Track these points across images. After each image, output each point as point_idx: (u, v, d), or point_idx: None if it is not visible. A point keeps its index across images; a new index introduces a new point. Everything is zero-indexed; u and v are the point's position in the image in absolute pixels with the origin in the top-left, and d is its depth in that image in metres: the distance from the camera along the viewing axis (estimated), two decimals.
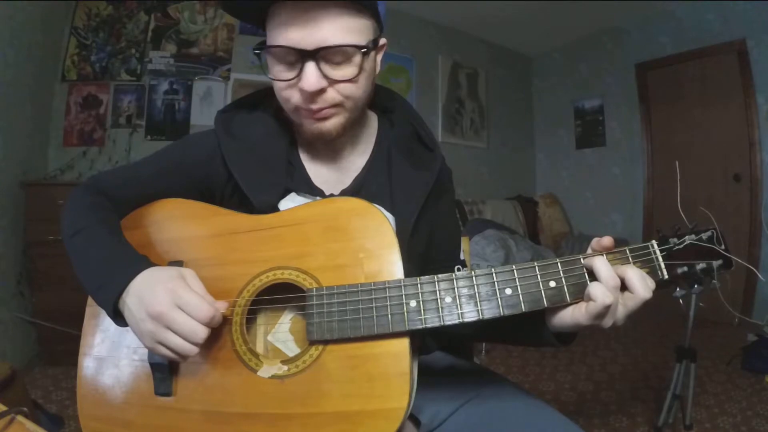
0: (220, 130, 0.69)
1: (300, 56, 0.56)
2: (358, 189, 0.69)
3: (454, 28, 3.85)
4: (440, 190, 0.71)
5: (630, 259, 0.51)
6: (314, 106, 0.60)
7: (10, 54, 2.10)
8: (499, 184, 4.12)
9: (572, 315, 0.51)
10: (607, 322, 0.50)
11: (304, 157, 0.70)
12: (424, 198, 0.67)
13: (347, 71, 0.58)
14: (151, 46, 2.81)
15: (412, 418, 0.64)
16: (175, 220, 0.65)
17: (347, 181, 0.70)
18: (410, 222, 0.65)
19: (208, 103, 2.86)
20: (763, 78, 2.85)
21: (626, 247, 0.51)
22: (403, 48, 3.52)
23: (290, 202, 0.66)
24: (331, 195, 0.68)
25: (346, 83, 0.59)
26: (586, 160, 4.04)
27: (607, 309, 0.48)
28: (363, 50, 0.58)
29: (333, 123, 0.62)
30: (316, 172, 0.70)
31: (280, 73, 0.59)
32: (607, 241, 0.52)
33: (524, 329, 0.60)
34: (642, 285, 0.49)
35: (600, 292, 0.48)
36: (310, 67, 0.56)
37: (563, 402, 1.95)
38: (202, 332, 0.51)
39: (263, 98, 0.73)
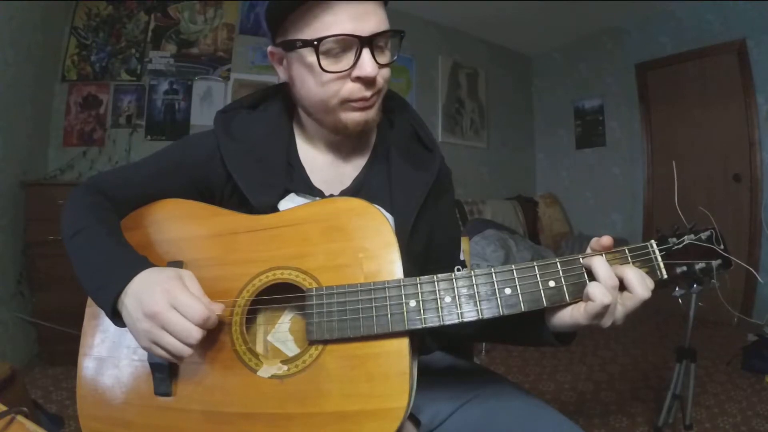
0: (219, 131, 0.69)
1: (358, 44, 0.58)
2: (357, 189, 0.69)
3: (454, 28, 3.85)
4: (440, 190, 0.71)
5: (629, 259, 0.51)
6: (368, 93, 0.61)
7: (10, 54, 2.11)
8: (499, 184, 4.12)
9: (571, 315, 0.51)
10: (606, 322, 0.50)
11: (303, 158, 0.70)
12: (424, 198, 0.67)
13: (387, 56, 0.63)
14: (151, 46, 2.81)
15: (412, 418, 0.64)
16: (175, 221, 0.65)
17: (347, 181, 0.70)
18: (409, 222, 0.65)
19: (208, 103, 2.86)
20: (763, 78, 2.85)
21: (625, 247, 0.51)
22: (403, 48, 3.46)
23: (290, 202, 0.66)
24: (331, 195, 0.68)
25: (386, 68, 0.62)
26: (586, 160, 4.04)
27: (605, 309, 0.48)
28: (402, 34, 0.62)
29: (375, 110, 0.65)
30: (316, 172, 0.70)
31: (331, 65, 0.59)
32: (606, 240, 0.52)
33: (524, 329, 0.60)
34: (641, 285, 0.49)
35: (599, 292, 0.48)
36: (368, 54, 0.58)
37: (563, 402, 1.95)
38: (196, 333, 0.51)
39: (263, 99, 0.73)
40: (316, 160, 0.70)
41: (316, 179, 0.69)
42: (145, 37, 2.80)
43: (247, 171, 0.66)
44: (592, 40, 3.91)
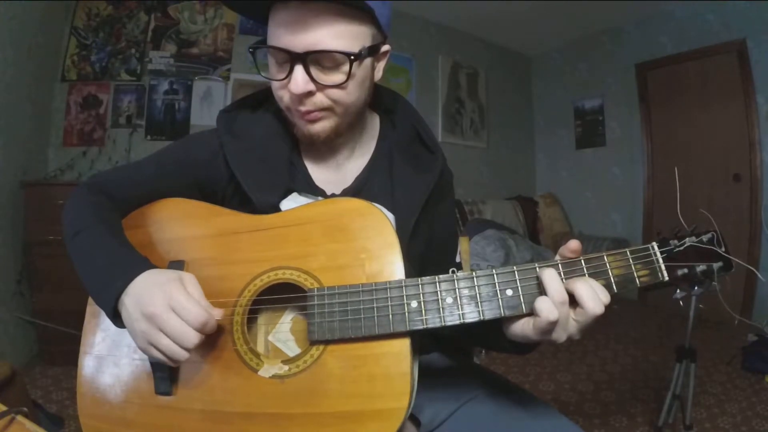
0: (221, 130, 0.69)
1: (290, 58, 0.57)
2: (359, 189, 0.69)
3: (454, 28, 3.85)
4: (441, 192, 0.71)
5: (631, 261, 0.51)
6: (303, 108, 0.60)
7: (10, 54, 2.10)
8: (499, 184, 4.12)
9: (522, 328, 0.51)
10: (560, 337, 0.49)
11: (305, 158, 0.70)
12: (425, 199, 0.67)
13: (336, 77, 0.58)
14: (151, 46, 2.81)
15: (413, 418, 0.64)
16: (177, 220, 0.65)
17: (349, 181, 0.70)
18: (410, 223, 0.65)
19: (208, 103, 2.86)
20: (763, 78, 2.85)
21: (627, 249, 0.51)
22: (403, 48, 3.52)
23: (292, 202, 0.66)
24: (333, 195, 0.68)
25: (335, 89, 0.59)
26: (586, 160, 4.04)
27: (552, 325, 0.47)
28: (352, 57, 0.57)
29: (322, 126, 0.62)
30: (318, 172, 0.70)
31: (274, 72, 0.60)
32: (573, 244, 0.51)
33: (488, 336, 0.60)
34: (592, 300, 0.47)
35: (545, 308, 0.47)
36: (299, 71, 0.57)
37: (563, 402, 1.95)
38: (193, 337, 0.50)
39: (265, 98, 0.73)
40: (318, 160, 0.70)
41: (319, 179, 0.69)
42: (145, 37, 2.80)
43: (250, 170, 0.66)
44: (592, 40, 3.91)
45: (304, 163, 0.70)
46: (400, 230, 0.63)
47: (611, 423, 1.75)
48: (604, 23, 3.67)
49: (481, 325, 0.51)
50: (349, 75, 0.58)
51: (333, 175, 0.70)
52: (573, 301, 0.48)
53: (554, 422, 0.62)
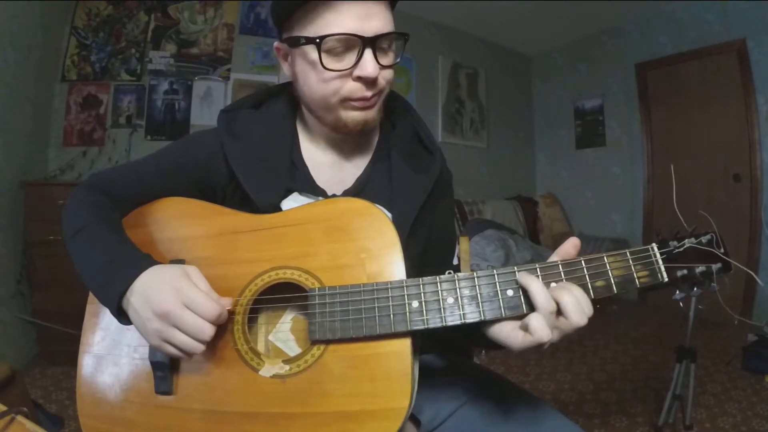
0: (222, 130, 0.69)
1: (360, 43, 0.58)
2: (360, 190, 0.69)
3: (454, 28, 3.85)
4: (439, 193, 0.71)
5: (630, 261, 0.51)
6: (369, 93, 0.61)
7: (10, 54, 2.10)
8: (499, 184, 4.12)
9: (506, 338, 0.51)
10: (542, 345, 0.48)
11: (306, 157, 0.70)
12: (423, 200, 0.67)
13: (390, 58, 0.62)
14: (151, 46, 2.81)
15: (413, 418, 0.64)
16: (177, 219, 0.65)
17: (349, 181, 0.70)
18: (408, 224, 0.65)
19: (208, 103, 2.86)
20: (763, 78, 2.85)
21: (627, 250, 0.51)
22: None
23: (292, 202, 0.66)
24: (333, 195, 0.68)
25: (388, 69, 0.62)
26: (586, 160, 4.04)
27: (542, 345, 0.47)
28: (406, 37, 0.62)
29: (376, 110, 0.65)
30: (319, 172, 0.70)
31: (332, 63, 0.59)
32: (575, 240, 0.51)
33: (468, 337, 0.60)
34: (576, 312, 0.47)
35: (539, 327, 0.46)
36: (369, 54, 0.58)
37: (563, 402, 1.95)
38: (209, 330, 0.52)
39: (266, 98, 0.73)
40: (319, 160, 0.71)
41: (319, 179, 0.69)
42: (145, 37, 2.80)
43: (251, 170, 0.66)
44: (592, 40, 3.91)
45: (305, 163, 0.70)
46: (398, 230, 0.63)
47: (611, 423, 1.75)
48: (604, 23, 3.67)
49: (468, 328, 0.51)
50: (401, 54, 0.63)
51: (334, 175, 0.70)
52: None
53: (554, 422, 0.62)
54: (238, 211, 0.64)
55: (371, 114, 0.64)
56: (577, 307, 0.47)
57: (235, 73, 2.93)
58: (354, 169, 0.71)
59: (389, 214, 0.62)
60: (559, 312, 0.48)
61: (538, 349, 0.49)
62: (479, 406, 0.66)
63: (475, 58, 4.03)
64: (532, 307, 0.49)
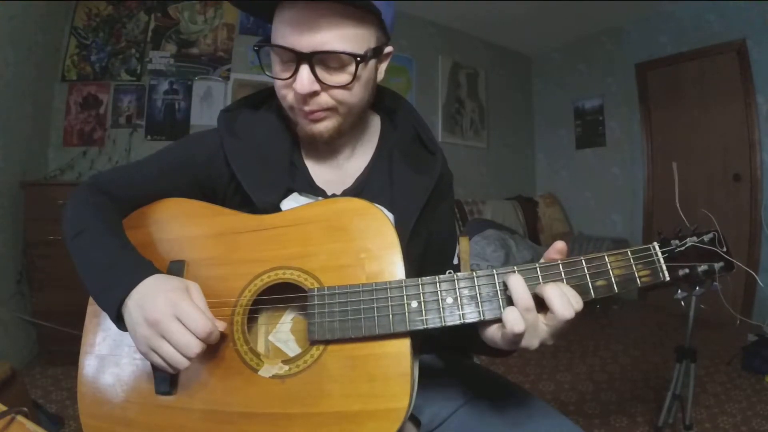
0: (222, 130, 0.69)
1: (296, 58, 0.57)
2: (360, 190, 0.69)
3: (454, 28, 3.85)
4: (440, 194, 0.71)
5: (632, 261, 0.51)
6: (307, 108, 0.60)
7: (10, 54, 2.10)
8: (499, 184, 4.12)
9: (492, 336, 0.50)
10: (531, 344, 0.48)
11: (306, 158, 0.70)
12: (424, 201, 0.67)
13: (341, 78, 0.58)
14: (151, 46, 2.81)
15: (412, 418, 0.64)
16: (177, 220, 0.65)
17: (349, 181, 0.70)
18: (409, 224, 0.65)
19: (208, 103, 2.86)
20: (763, 78, 2.85)
21: (628, 249, 0.51)
22: (403, 48, 3.52)
23: (292, 202, 0.66)
24: (333, 195, 0.68)
25: (340, 89, 0.59)
26: (586, 160, 4.04)
27: (519, 337, 0.47)
28: (358, 59, 0.57)
29: (325, 125, 0.63)
30: (319, 172, 0.70)
31: (278, 71, 0.60)
32: (560, 245, 0.51)
33: (468, 338, 0.60)
34: (561, 305, 0.46)
35: (511, 318, 0.46)
36: (304, 70, 0.57)
37: (563, 402, 1.95)
38: (196, 346, 0.50)
39: (266, 98, 0.73)
40: (319, 160, 0.70)
41: (319, 179, 0.69)
42: (145, 37, 2.80)
43: (251, 170, 0.66)
44: (592, 40, 3.91)
45: (304, 163, 0.70)
46: (399, 231, 0.62)
47: (611, 423, 1.75)
48: (604, 23, 3.67)
49: (463, 329, 0.51)
50: (355, 76, 0.58)
51: (334, 175, 0.70)
52: (544, 306, 0.47)
53: (554, 422, 0.62)
54: (238, 211, 0.64)
55: (319, 127, 0.62)
56: (563, 299, 0.46)
57: (235, 73, 2.93)
58: (354, 169, 0.71)
59: (389, 214, 0.62)
60: (546, 309, 0.47)
61: (524, 347, 0.48)
62: (479, 406, 0.66)
63: (475, 58, 4.03)
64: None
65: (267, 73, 0.61)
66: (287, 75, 0.59)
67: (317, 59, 0.57)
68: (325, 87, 0.59)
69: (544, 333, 0.48)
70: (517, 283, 0.48)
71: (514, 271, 0.50)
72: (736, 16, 2.93)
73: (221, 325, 0.54)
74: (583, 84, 4.03)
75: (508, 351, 0.55)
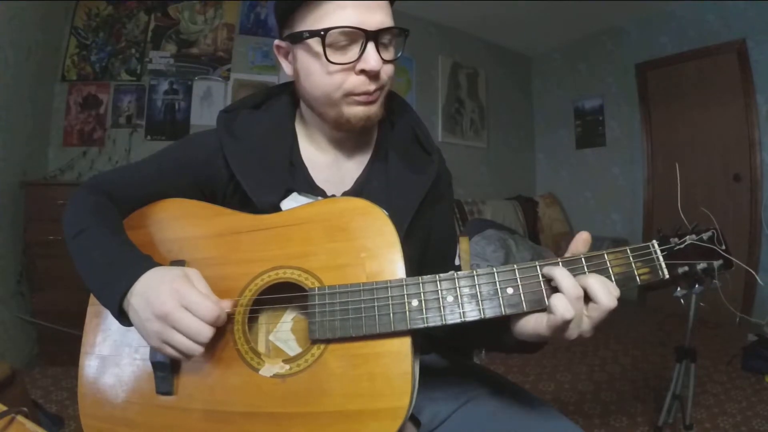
0: (222, 130, 0.69)
1: (363, 37, 0.58)
2: (359, 189, 0.69)
3: (454, 28, 3.85)
4: (438, 194, 0.71)
5: (631, 258, 0.51)
6: (372, 87, 0.61)
7: (10, 54, 2.10)
8: (499, 184, 4.12)
9: (534, 326, 0.50)
10: (572, 334, 0.48)
11: (306, 157, 0.71)
12: (420, 201, 0.67)
13: (392, 53, 0.63)
14: (151, 46, 2.81)
15: (413, 418, 0.64)
16: (177, 220, 0.65)
17: (349, 180, 0.70)
18: (404, 225, 0.65)
19: (208, 103, 2.86)
20: (763, 78, 2.85)
21: (627, 247, 0.51)
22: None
23: (292, 201, 0.66)
24: (333, 195, 0.68)
25: (390, 64, 0.63)
26: (586, 160, 4.04)
27: (567, 323, 0.47)
28: (406, 33, 0.63)
29: (378, 105, 0.65)
30: (318, 172, 0.70)
31: (337, 57, 0.59)
32: (585, 235, 0.52)
33: (489, 334, 0.60)
34: (605, 294, 0.47)
35: (561, 305, 0.46)
36: (372, 47, 0.59)
37: (563, 402, 1.95)
38: (207, 332, 0.51)
39: (266, 98, 0.73)
40: (319, 160, 0.71)
41: (319, 179, 0.69)
42: (145, 37, 2.80)
43: (250, 170, 0.66)
44: (592, 40, 3.91)
45: (304, 163, 0.70)
46: None
47: (611, 423, 1.75)
48: (604, 23, 3.67)
49: (487, 325, 0.51)
50: (402, 50, 0.64)
51: (333, 174, 0.70)
52: (585, 298, 0.48)
53: (554, 422, 0.62)
54: (238, 211, 0.64)
55: (373, 109, 0.64)
56: (604, 288, 0.47)
57: (235, 73, 2.93)
58: (353, 168, 0.71)
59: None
60: (587, 299, 0.48)
61: (566, 337, 0.48)
62: (479, 406, 0.66)
63: (475, 58, 4.03)
64: (531, 305, 0.49)
65: (330, 59, 0.58)
66: (351, 57, 0.59)
67: (379, 37, 0.59)
68: (384, 63, 0.61)
69: (586, 325, 0.49)
70: (564, 275, 0.48)
71: (536, 267, 0.50)
72: (736, 16, 2.94)
73: (227, 305, 0.55)
74: (583, 84, 4.03)
75: (534, 347, 0.56)
